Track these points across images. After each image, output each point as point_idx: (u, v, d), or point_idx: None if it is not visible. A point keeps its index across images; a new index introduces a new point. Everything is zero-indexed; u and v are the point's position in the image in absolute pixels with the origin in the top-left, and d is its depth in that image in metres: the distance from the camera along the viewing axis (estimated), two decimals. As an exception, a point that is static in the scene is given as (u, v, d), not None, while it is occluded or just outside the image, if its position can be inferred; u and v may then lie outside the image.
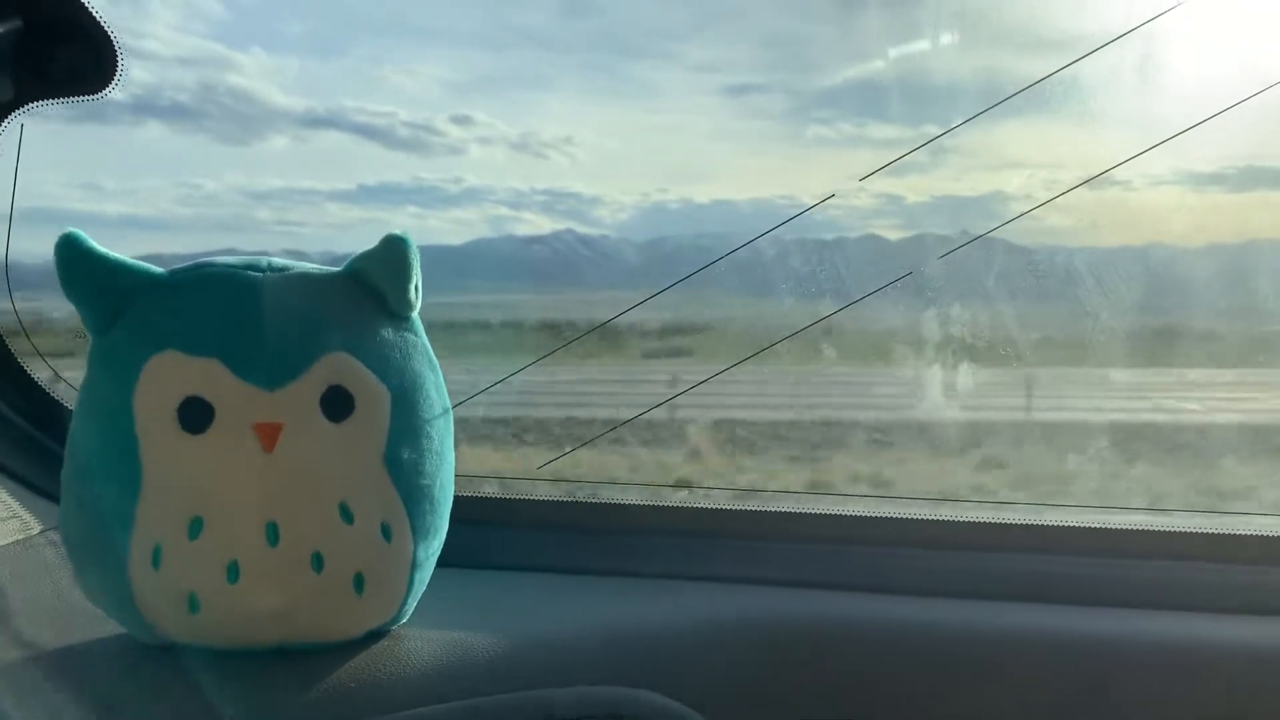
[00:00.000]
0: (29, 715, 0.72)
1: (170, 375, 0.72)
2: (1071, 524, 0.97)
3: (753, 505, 1.03)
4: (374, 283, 0.78)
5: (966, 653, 0.86)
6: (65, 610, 0.85)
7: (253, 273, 0.76)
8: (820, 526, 1.01)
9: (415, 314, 0.81)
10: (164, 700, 0.73)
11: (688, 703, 0.81)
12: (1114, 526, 0.96)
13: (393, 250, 0.77)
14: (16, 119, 0.91)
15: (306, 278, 0.77)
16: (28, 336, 1.04)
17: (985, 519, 0.99)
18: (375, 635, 0.80)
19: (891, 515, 1.00)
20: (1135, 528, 0.96)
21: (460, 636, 0.81)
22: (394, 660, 0.78)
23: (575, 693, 0.79)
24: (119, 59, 0.83)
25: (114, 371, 0.74)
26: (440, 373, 0.82)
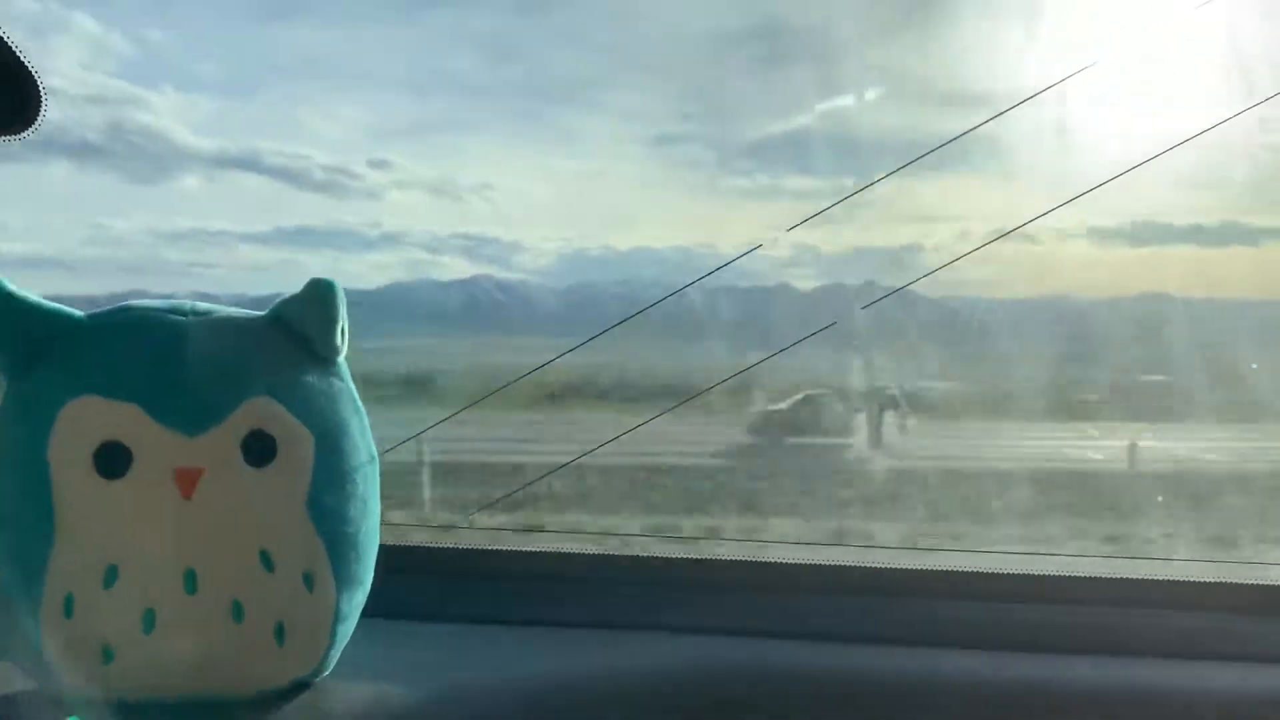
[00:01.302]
0: None
1: (88, 420, 0.71)
2: (1024, 572, 0.98)
3: (691, 553, 1.03)
4: (299, 327, 0.78)
5: (917, 700, 0.87)
6: None
7: (175, 316, 0.75)
8: (762, 574, 1.01)
9: (341, 359, 0.81)
10: None
11: None
12: (1064, 574, 0.98)
13: (318, 294, 0.77)
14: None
15: (230, 321, 0.77)
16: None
17: (937, 566, 1.00)
18: (297, 687, 0.78)
19: (836, 564, 1.01)
20: (1086, 575, 0.98)
21: (385, 689, 0.80)
22: (315, 713, 0.76)
23: None
24: (43, 100, 0.82)
25: (29, 416, 0.72)
26: (366, 418, 0.82)
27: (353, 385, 0.81)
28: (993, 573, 0.99)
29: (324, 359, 0.79)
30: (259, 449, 0.73)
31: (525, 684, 0.85)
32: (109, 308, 0.76)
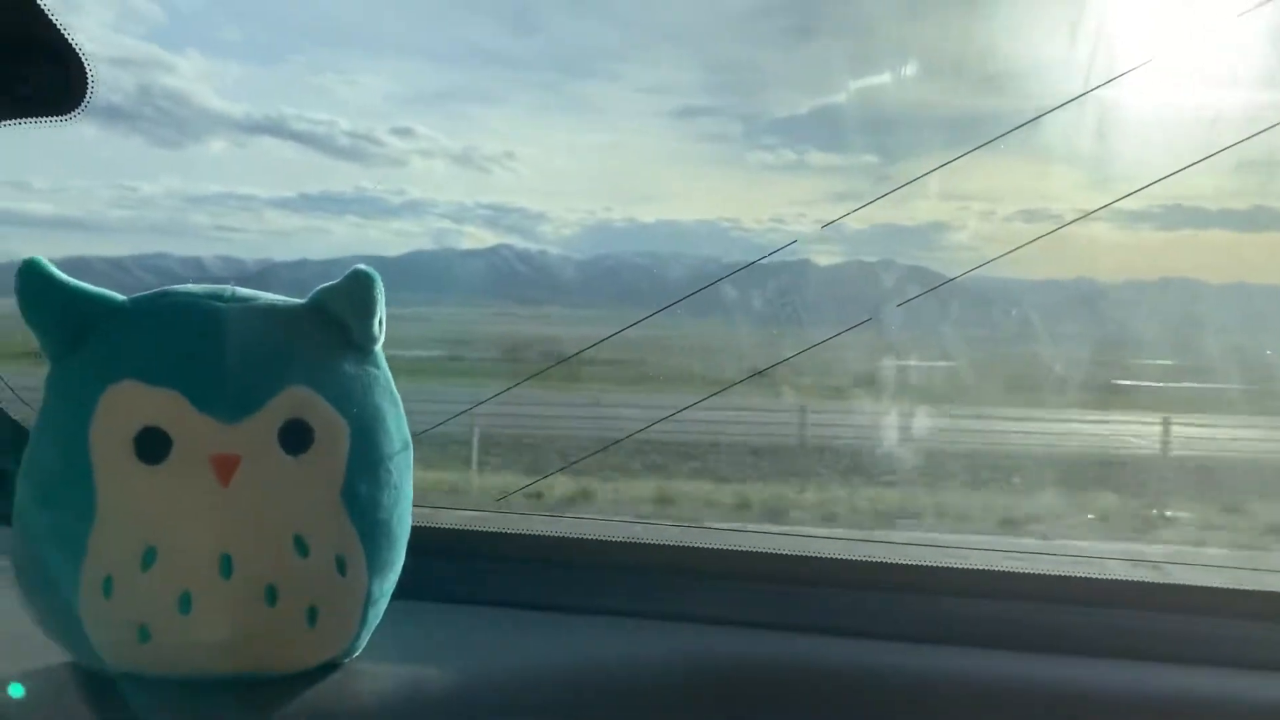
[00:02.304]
0: None
1: (129, 405, 0.72)
2: (1029, 571, 0.99)
3: (717, 544, 1.04)
4: (338, 315, 0.78)
5: (925, 699, 0.87)
6: (13, 637, 0.83)
7: (216, 302, 0.76)
8: (783, 566, 1.02)
9: (378, 348, 0.81)
10: None
11: None
12: (1074, 575, 0.98)
13: (358, 284, 0.78)
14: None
15: (270, 309, 0.78)
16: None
17: (947, 564, 1.00)
18: (328, 668, 0.80)
19: (853, 558, 1.01)
20: (1094, 576, 0.98)
21: (413, 671, 0.81)
22: (345, 694, 0.77)
23: None
24: (89, 81, 0.83)
25: (72, 399, 0.73)
26: (401, 406, 0.82)
27: (389, 373, 0.82)
28: (1008, 572, 0.99)
29: (361, 347, 0.80)
30: (296, 437, 0.74)
31: (554, 669, 0.86)
32: (150, 292, 0.77)
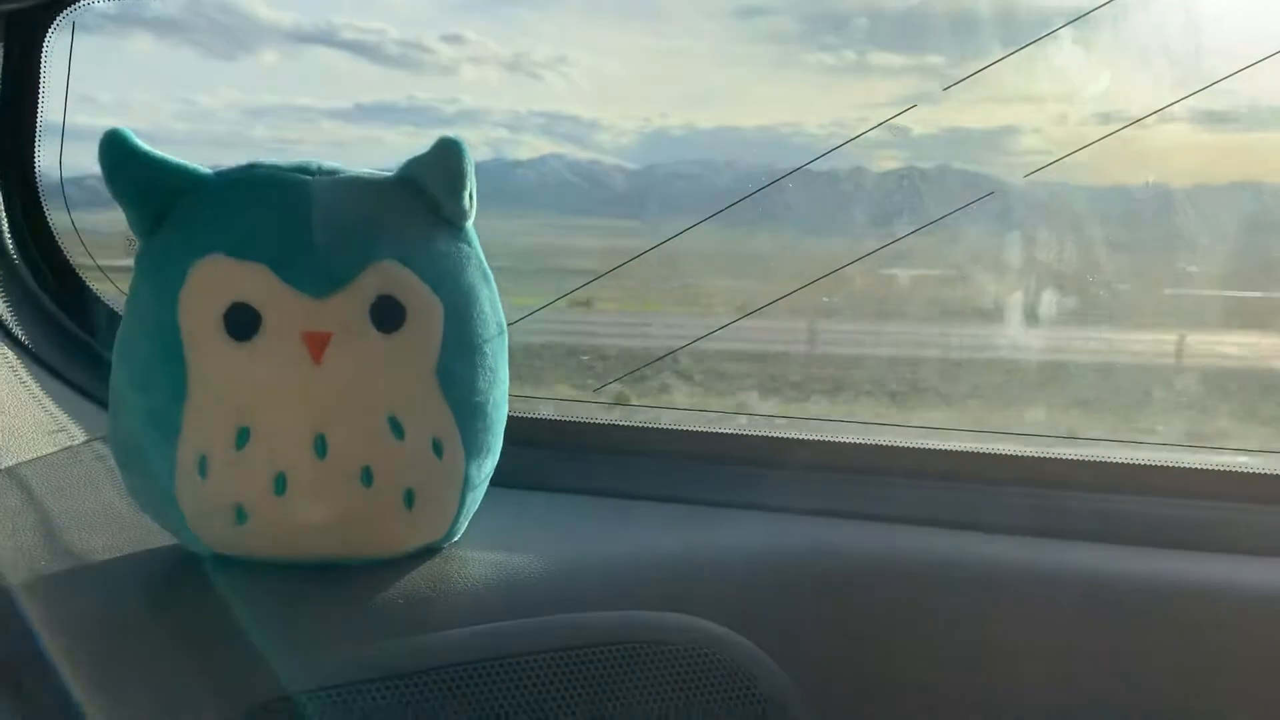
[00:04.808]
0: (79, 622, 0.70)
1: (216, 280, 0.69)
2: (1134, 461, 0.95)
3: (810, 435, 1.01)
4: (427, 189, 0.75)
5: (1020, 589, 0.85)
6: (116, 518, 0.83)
7: (302, 175, 0.73)
8: (877, 458, 0.99)
9: (470, 223, 0.78)
10: (213, 609, 0.72)
11: (737, 630, 0.80)
12: (1174, 465, 0.94)
13: (447, 155, 0.74)
14: (67, 17, 0.88)
15: (357, 182, 0.74)
16: (84, 246, 1.03)
17: (1046, 454, 0.97)
18: (425, 553, 0.78)
19: (947, 448, 0.99)
20: (1190, 466, 0.94)
21: (511, 558, 0.80)
22: (442, 579, 0.76)
23: (620, 617, 0.78)
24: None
25: (159, 275, 0.71)
26: (495, 288, 0.79)
27: (481, 252, 0.79)
28: (1113, 463, 0.96)
29: (452, 223, 0.76)
30: (388, 315, 0.71)
31: (646, 556, 0.85)
32: (236, 166, 0.74)
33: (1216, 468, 0.94)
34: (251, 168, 0.74)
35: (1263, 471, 0.93)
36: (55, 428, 0.92)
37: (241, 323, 0.69)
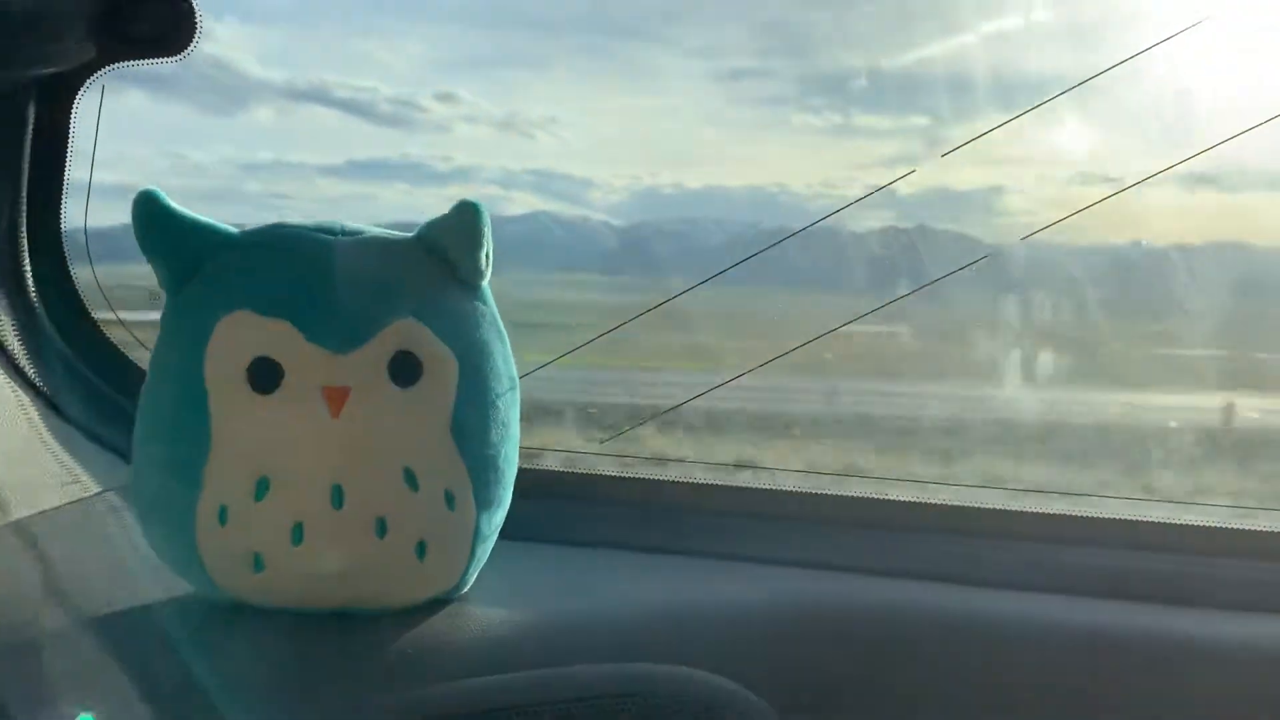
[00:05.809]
0: (99, 670, 0.71)
1: (242, 335, 0.72)
2: (1132, 518, 0.97)
3: (816, 489, 1.03)
4: (444, 249, 0.78)
5: (1022, 643, 0.86)
6: (136, 568, 0.85)
7: (325, 235, 0.76)
8: (886, 512, 1.01)
9: (485, 283, 0.81)
10: (230, 657, 0.73)
11: (744, 684, 0.81)
12: (1178, 522, 0.96)
13: (465, 217, 0.77)
14: (99, 80, 0.91)
15: (378, 242, 0.78)
16: (106, 299, 1.05)
17: (1052, 510, 0.99)
18: (436, 604, 0.80)
19: (956, 504, 1.00)
20: (1190, 524, 0.95)
21: (520, 610, 0.81)
22: (453, 630, 0.77)
23: (630, 669, 0.79)
24: (198, 21, 0.84)
25: (187, 330, 0.74)
26: (508, 344, 0.82)
27: (495, 309, 0.81)
28: (1113, 519, 0.98)
29: (467, 282, 0.79)
30: (405, 370, 0.74)
31: (652, 609, 0.86)
32: (262, 225, 0.77)
33: (1214, 524, 0.95)
34: (278, 227, 0.77)
35: (1266, 529, 0.94)
36: (69, 479, 0.94)
37: (265, 376, 0.71)
